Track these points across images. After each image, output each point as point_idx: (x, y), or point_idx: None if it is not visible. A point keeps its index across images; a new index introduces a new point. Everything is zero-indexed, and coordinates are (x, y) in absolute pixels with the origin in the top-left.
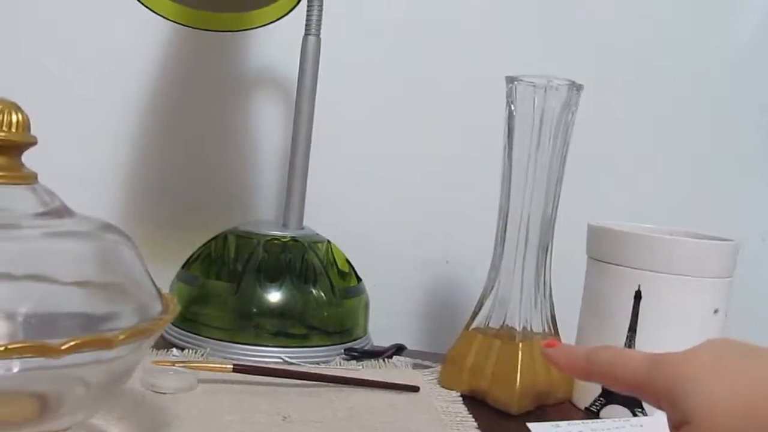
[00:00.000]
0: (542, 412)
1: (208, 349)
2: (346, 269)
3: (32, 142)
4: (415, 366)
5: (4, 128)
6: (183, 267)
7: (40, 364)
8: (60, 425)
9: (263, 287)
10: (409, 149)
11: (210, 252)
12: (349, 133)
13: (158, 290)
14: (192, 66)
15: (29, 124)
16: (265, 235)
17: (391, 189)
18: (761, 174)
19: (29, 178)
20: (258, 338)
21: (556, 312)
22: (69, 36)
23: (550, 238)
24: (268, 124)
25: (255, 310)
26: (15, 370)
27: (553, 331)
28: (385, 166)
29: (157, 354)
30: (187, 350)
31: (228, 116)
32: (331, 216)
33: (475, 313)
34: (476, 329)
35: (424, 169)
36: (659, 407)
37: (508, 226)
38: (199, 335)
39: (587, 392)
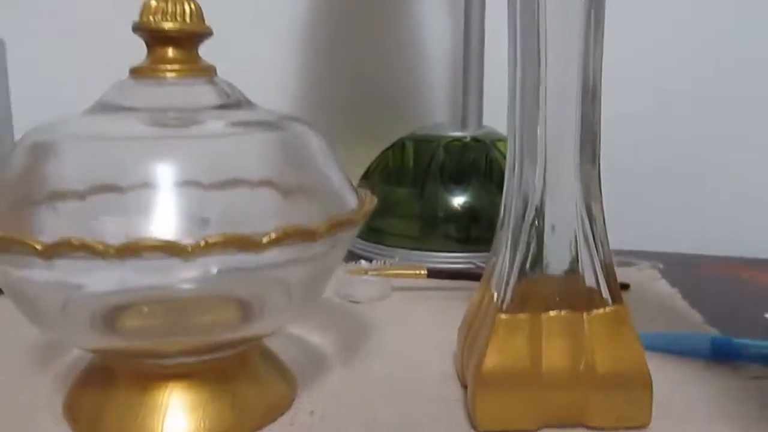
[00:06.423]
0: None
1: (397, 259)
2: None
3: (207, 33)
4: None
5: (178, 17)
6: (361, 179)
7: (240, 264)
8: (261, 330)
9: (448, 190)
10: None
11: (388, 161)
12: None
13: (351, 183)
14: None
15: (202, 13)
16: (445, 137)
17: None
18: None
19: (207, 71)
20: (446, 244)
21: None
22: None
23: None
24: (428, 24)
25: (441, 214)
26: (214, 271)
27: None
28: None
29: (346, 267)
30: (374, 261)
31: (386, 20)
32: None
33: None
34: None
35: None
36: None
37: None
38: (386, 245)
39: None
